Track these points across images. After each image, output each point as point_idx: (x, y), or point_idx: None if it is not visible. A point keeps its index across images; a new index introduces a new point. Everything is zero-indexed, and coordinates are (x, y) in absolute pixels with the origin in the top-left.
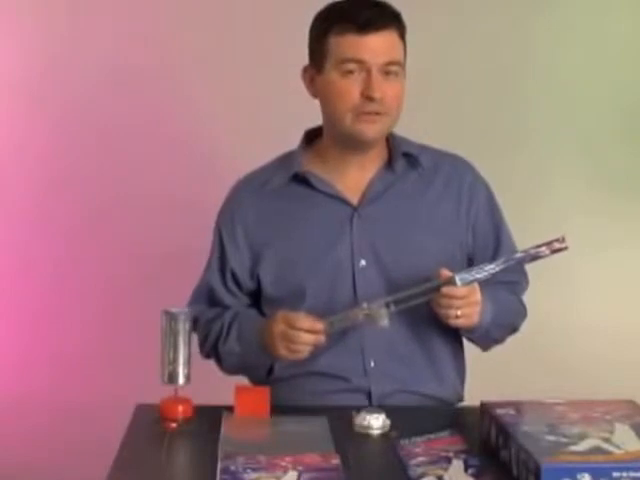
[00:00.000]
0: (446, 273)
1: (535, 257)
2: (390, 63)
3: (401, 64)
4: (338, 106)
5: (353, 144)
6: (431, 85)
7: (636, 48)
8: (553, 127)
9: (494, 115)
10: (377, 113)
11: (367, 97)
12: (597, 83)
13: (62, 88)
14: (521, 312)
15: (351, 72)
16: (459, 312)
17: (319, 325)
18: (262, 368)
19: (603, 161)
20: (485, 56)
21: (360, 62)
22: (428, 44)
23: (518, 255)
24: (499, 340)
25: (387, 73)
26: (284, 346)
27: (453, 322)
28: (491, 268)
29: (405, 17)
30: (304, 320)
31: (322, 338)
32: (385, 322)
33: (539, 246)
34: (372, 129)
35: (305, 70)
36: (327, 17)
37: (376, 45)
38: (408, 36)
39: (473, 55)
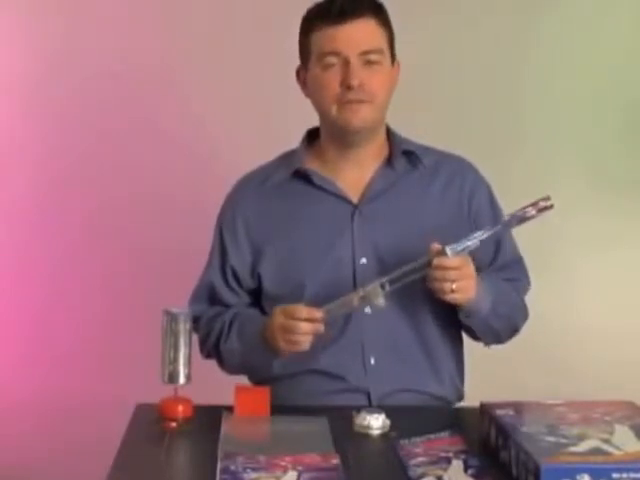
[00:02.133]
0: (436, 246)
1: (522, 219)
2: (368, 52)
3: (382, 52)
4: (322, 99)
5: (345, 137)
6: (430, 85)
7: (636, 47)
8: (553, 126)
9: (494, 115)
10: (360, 101)
11: (346, 86)
12: (597, 82)
13: (61, 88)
14: (522, 309)
15: (332, 65)
16: (454, 285)
17: (317, 313)
18: (264, 367)
19: (603, 160)
20: (485, 56)
21: (337, 53)
22: (427, 44)
23: (505, 219)
24: (499, 334)
25: (369, 62)
26: (284, 338)
27: (449, 297)
28: (480, 234)
29: (404, 16)
30: (301, 310)
31: (321, 327)
32: (381, 302)
33: (525, 207)
34: (357, 117)
35: (297, 72)
36: (308, 16)
37: (352, 35)
38: (407, 35)
39: (472, 55)
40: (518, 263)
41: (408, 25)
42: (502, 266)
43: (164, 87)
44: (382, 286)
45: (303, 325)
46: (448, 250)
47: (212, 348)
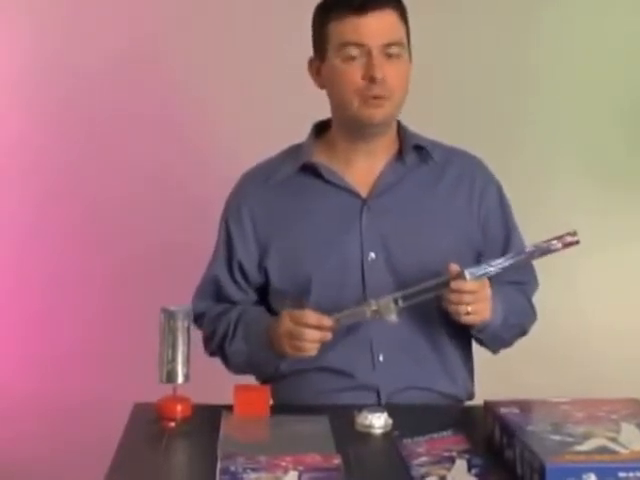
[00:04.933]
0: (455, 268)
1: (546, 251)
2: (391, 44)
3: (403, 45)
4: (343, 92)
5: (361, 130)
6: (433, 82)
7: (637, 45)
8: (554, 125)
9: (496, 113)
10: (382, 97)
11: (369, 79)
12: (600, 79)
13: (62, 84)
14: (530, 314)
15: (353, 57)
16: (469, 308)
17: (327, 321)
18: (269, 367)
19: (605, 159)
20: (487, 52)
21: (360, 45)
22: (430, 40)
23: (529, 249)
24: (508, 342)
25: (389, 55)
26: (290, 344)
27: (464, 319)
28: (501, 262)
29: (408, 13)
30: (310, 316)
31: (329, 335)
32: (393, 317)
33: (550, 240)
34: (378, 113)
35: (310, 62)
36: (325, 5)
37: (375, 26)
38: (413, 29)
39: (475, 52)
40: (527, 265)
41: (410, 21)
42: (511, 267)
43: (164, 82)
44: (395, 301)
45: (311, 332)
46: (467, 274)
47: (217, 347)
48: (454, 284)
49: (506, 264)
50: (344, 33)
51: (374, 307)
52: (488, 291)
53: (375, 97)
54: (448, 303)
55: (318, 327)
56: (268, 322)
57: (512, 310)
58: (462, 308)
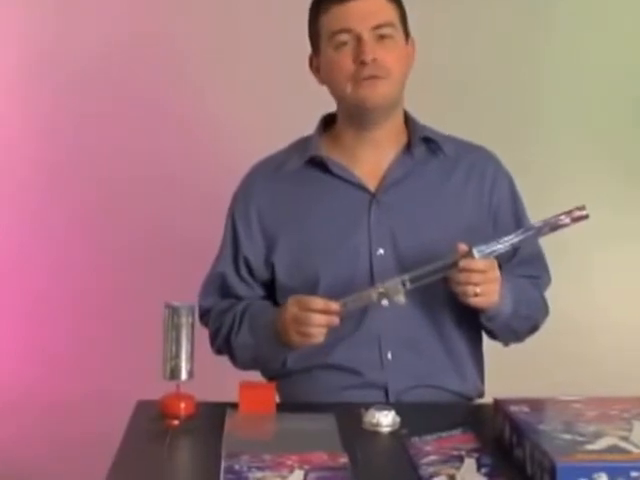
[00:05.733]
0: (463, 247)
1: (555, 227)
2: (380, 26)
3: (394, 25)
4: (337, 79)
5: (362, 116)
6: (445, 73)
7: None
8: (570, 120)
9: (509, 105)
10: (375, 77)
11: (360, 62)
12: (618, 73)
13: (61, 71)
14: (542, 308)
15: (344, 44)
16: (478, 289)
17: (334, 305)
18: (276, 361)
19: (621, 154)
20: (500, 42)
21: (348, 30)
22: (443, 31)
23: (537, 224)
24: (519, 335)
25: (381, 37)
26: (296, 330)
27: (472, 301)
28: (510, 239)
29: (418, 3)
30: (317, 301)
31: (336, 320)
32: (401, 299)
33: (559, 215)
34: (374, 93)
35: (310, 60)
36: (315, 1)
37: (361, 10)
38: (422, 23)
39: (488, 42)
40: (539, 258)
41: (421, 11)
42: (522, 261)
43: (168, 73)
44: (403, 283)
45: (317, 317)
46: (475, 252)
47: (223, 342)
48: (463, 263)
49: (515, 240)
50: (333, 22)
51: (381, 289)
52: (497, 273)
53: (367, 78)
54: (456, 284)
55: (325, 312)
56: (274, 312)
57: (523, 300)
58: (470, 289)
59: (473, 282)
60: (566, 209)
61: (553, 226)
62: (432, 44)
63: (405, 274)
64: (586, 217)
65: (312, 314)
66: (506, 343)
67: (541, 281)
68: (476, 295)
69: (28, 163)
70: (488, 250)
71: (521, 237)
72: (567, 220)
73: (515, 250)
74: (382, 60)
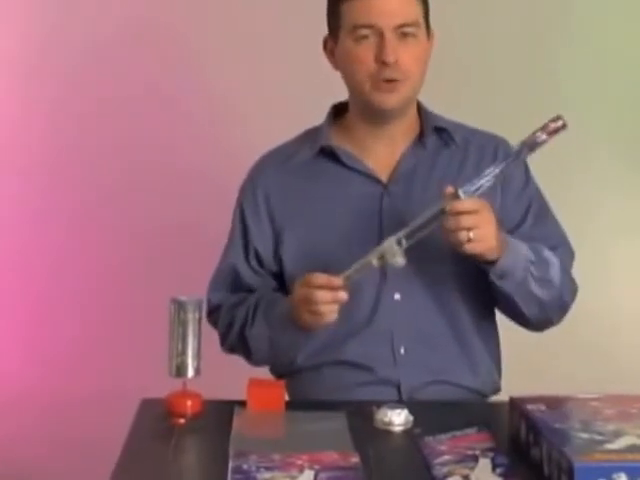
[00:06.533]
0: (449, 189)
1: (534, 145)
2: (404, 25)
3: (418, 24)
4: (355, 75)
5: (376, 115)
6: (461, 58)
7: None
8: (587, 108)
9: (527, 95)
10: (395, 80)
11: (381, 62)
12: (635, 63)
13: (63, 58)
14: (565, 278)
15: (365, 37)
16: (471, 234)
17: (336, 280)
18: (294, 348)
19: (638, 142)
20: (518, 27)
21: (371, 26)
22: (459, 14)
23: (515, 148)
24: (546, 306)
25: (404, 35)
26: (307, 309)
27: (467, 248)
28: (492, 170)
29: None
30: (318, 276)
31: (343, 295)
32: (400, 260)
33: (534, 132)
34: (391, 98)
35: (325, 42)
36: None
37: (387, 7)
38: (437, 10)
39: (506, 27)
40: (555, 234)
41: (440, 4)
42: (533, 238)
43: (172, 63)
44: (398, 242)
45: (321, 294)
46: (461, 192)
47: (237, 337)
48: (450, 206)
49: (497, 170)
50: (356, 14)
51: (378, 253)
52: (490, 213)
53: (387, 81)
54: (448, 233)
55: (328, 287)
56: (287, 298)
57: (537, 261)
58: (463, 234)
59: (464, 226)
60: (541, 125)
61: (532, 145)
62: (448, 32)
63: (399, 232)
64: (564, 127)
65: (316, 291)
66: (539, 325)
67: (560, 251)
68: (470, 240)
69: (28, 163)
70: (473, 187)
71: (502, 165)
72: (544, 136)
73: (525, 215)
74: (403, 62)
